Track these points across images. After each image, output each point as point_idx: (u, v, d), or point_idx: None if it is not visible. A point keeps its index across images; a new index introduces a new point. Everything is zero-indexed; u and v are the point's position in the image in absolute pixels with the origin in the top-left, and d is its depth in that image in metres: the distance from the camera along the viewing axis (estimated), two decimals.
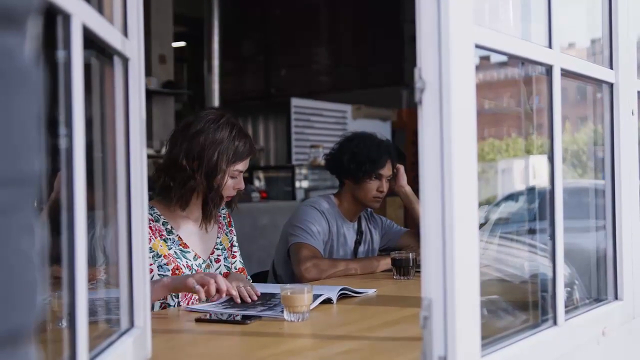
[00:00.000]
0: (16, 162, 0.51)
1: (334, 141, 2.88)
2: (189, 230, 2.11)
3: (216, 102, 7.70)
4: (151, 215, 2.04)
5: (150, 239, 2.00)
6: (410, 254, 2.41)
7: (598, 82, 1.64)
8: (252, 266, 4.32)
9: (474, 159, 1.07)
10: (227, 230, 2.26)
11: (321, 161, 6.64)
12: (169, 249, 2.04)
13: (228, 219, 2.29)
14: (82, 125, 0.90)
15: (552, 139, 1.36)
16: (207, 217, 2.10)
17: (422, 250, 1.04)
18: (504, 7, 1.60)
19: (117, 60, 1.17)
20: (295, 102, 7.50)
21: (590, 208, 1.82)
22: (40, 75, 0.54)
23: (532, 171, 1.85)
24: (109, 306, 1.27)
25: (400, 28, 8.21)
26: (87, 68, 1.04)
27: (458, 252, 1.02)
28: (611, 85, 1.64)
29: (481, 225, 1.97)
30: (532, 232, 1.74)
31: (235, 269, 2.18)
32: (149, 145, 6.35)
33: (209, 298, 1.84)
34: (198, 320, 1.70)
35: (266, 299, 1.92)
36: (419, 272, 2.33)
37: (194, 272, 2.06)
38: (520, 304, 1.55)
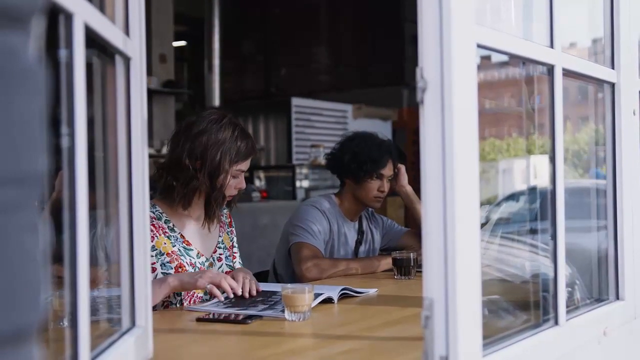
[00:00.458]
0: (19, 161, 0.51)
1: (334, 141, 2.88)
2: (191, 228, 2.12)
3: (216, 102, 7.70)
4: (153, 213, 2.04)
5: (153, 237, 2.00)
6: (411, 253, 2.41)
7: (599, 82, 1.64)
8: (253, 266, 4.32)
9: (476, 158, 1.07)
10: (228, 230, 2.26)
11: (322, 161, 6.65)
12: (173, 246, 2.04)
13: (229, 219, 2.29)
14: (84, 124, 0.90)
15: (554, 138, 1.36)
16: (210, 216, 2.11)
17: (424, 250, 1.04)
18: (506, 6, 1.60)
19: (118, 60, 1.17)
20: (295, 101, 7.50)
21: (591, 208, 1.82)
22: (43, 74, 0.54)
23: (533, 171, 1.85)
24: (110, 305, 1.27)
25: (401, 27, 8.21)
26: (89, 67, 1.04)
27: (459, 252, 1.02)
28: (613, 85, 1.64)
29: (482, 225, 1.97)
30: (533, 232, 1.74)
31: (223, 272, 2.18)
32: (150, 144, 6.35)
33: (212, 297, 1.86)
34: (199, 319, 1.70)
35: (267, 296, 1.92)
36: (420, 271, 2.33)
37: (197, 269, 2.07)
38: (521, 304, 1.55)
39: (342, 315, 1.85)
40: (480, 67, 1.23)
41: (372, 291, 2.11)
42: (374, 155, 2.68)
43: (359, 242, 2.80)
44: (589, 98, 1.79)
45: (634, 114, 1.68)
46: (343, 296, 1.98)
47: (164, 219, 2.06)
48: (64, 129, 0.88)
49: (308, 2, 9.01)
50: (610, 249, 1.66)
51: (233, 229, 2.29)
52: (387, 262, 2.53)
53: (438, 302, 1.02)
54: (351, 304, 1.94)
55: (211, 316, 1.73)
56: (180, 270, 2.01)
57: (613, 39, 1.63)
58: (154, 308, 1.79)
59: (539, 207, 1.64)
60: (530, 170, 1.89)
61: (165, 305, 1.98)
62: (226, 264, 2.19)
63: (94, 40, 1.01)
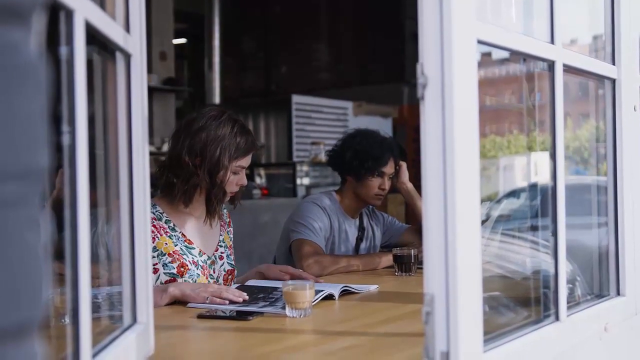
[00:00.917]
0: (22, 157, 0.51)
1: (335, 138, 2.88)
2: (192, 227, 2.12)
3: (217, 99, 7.71)
4: (153, 213, 2.04)
5: (154, 238, 2.00)
6: (412, 250, 2.41)
7: (600, 78, 1.64)
8: (254, 263, 4.33)
9: (476, 154, 1.07)
10: (228, 230, 2.27)
11: (322, 158, 6.65)
12: (175, 246, 2.04)
13: (228, 219, 2.29)
14: (85, 121, 0.90)
15: (554, 135, 1.36)
16: (211, 213, 2.11)
17: (424, 246, 1.04)
18: (506, 3, 1.60)
19: (119, 56, 1.17)
20: (296, 99, 7.50)
21: (592, 204, 1.82)
22: (45, 69, 0.54)
23: (534, 168, 1.85)
24: (111, 301, 1.27)
25: (401, 25, 8.21)
26: (90, 64, 1.04)
27: (460, 248, 1.02)
28: (613, 81, 1.64)
29: (483, 222, 1.97)
30: (534, 228, 1.74)
31: (225, 271, 2.18)
32: (150, 142, 6.36)
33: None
34: (200, 316, 1.71)
35: (268, 293, 1.92)
36: (420, 268, 2.33)
37: (199, 268, 2.07)
38: (522, 300, 1.55)
39: (343, 311, 1.85)
40: (481, 64, 1.22)
41: (373, 287, 2.11)
42: (376, 153, 2.68)
43: (359, 239, 2.80)
44: (589, 95, 1.79)
45: (634, 109, 1.68)
46: (344, 293, 1.98)
47: (164, 219, 2.07)
48: (65, 127, 0.88)
49: None
50: (611, 244, 1.67)
51: (231, 229, 2.29)
52: (387, 259, 2.53)
53: (439, 298, 1.03)
54: (352, 301, 1.95)
55: (212, 313, 1.73)
56: (182, 269, 2.02)
57: (614, 35, 1.63)
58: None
59: (540, 203, 1.64)
60: (530, 167, 1.89)
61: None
62: (227, 263, 2.20)
63: (94, 36, 1.01)
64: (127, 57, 1.19)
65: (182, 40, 9.51)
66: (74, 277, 0.87)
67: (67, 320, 0.98)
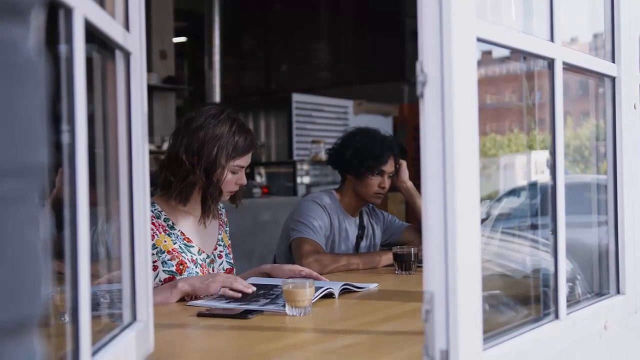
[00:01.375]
0: (21, 154, 0.51)
1: (335, 137, 2.88)
2: (190, 226, 2.12)
3: (217, 98, 7.70)
4: (152, 212, 2.04)
5: (153, 236, 2.00)
6: (412, 248, 2.41)
7: (600, 76, 1.64)
8: (254, 262, 4.34)
9: (476, 152, 1.07)
10: (226, 229, 2.27)
11: (322, 157, 6.65)
12: (174, 244, 2.04)
13: (226, 219, 2.29)
14: (84, 120, 0.90)
15: (554, 133, 1.36)
16: (206, 211, 2.11)
17: (424, 244, 1.04)
18: (506, 1, 1.60)
19: (118, 55, 1.17)
20: (296, 97, 7.50)
21: (592, 203, 1.82)
22: (44, 66, 0.54)
23: (534, 166, 1.85)
24: (112, 300, 1.27)
25: (401, 23, 8.21)
26: (89, 62, 1.04)
27: (460, 245, 1.02)
28: (613, 79, 1.64)
29: (483, 221, 1.97)
30: (534, 227, 1.74)
31: (223, 269, 2.19)
32: (150, 141, 6.35)
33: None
34: (200, 314, 1.71)
35: (268, 290, 1.92)
36: (420, 266, 2.33)
37: (199, 266, 2.07)
38: (522, 299, 1.55)
39: (343, 310, 1.85)
40: (481, 63, 1.22)
41: (373, 286, 2.11)
42: (376, 152, 2.68)
43: (359, 238, 2.80)
44: (590, 93, 1.79)
45: (634, 107, 1.68)
46: (344, 291, 1.98)
47: (163, 217, 2.07)
48: (64, 125, 0.88)
49: None
50: (610, 243, 1.66)
51: (228, 228, 2.30)
52: (387, 257, 2.54)
53: (438, 296, 1.03)
54: (352, 299, 1.95)
55: (212, 311, 1.73)
56: (181, 267, 2.02)
57: (614, 33, 1.63)
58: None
59: (540, 202, 1.65)
60: (531, 166, 1.89)
61: None
62: (226, 262, 2.20)
63: (94, 35, 1.01)
64: (127, 55, 1.19)
65: (183, 39, 9.51)
66: (74, 276, 0.87)
67: (67, 318, 0.98)
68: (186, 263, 2.04)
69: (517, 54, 1.43)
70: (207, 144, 2.02)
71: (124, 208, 1.20)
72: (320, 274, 2.41)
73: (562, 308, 1.35)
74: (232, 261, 2.23)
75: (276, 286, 1.94)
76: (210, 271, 2.12)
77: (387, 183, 2.71)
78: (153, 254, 1.99)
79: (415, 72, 1.05)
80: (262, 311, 1.71)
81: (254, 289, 1.88)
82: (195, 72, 8.93)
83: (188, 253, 2.06)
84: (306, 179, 6.86)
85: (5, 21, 0.49)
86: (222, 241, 2.22)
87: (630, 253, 1.65)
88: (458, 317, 1.02)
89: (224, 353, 1.43)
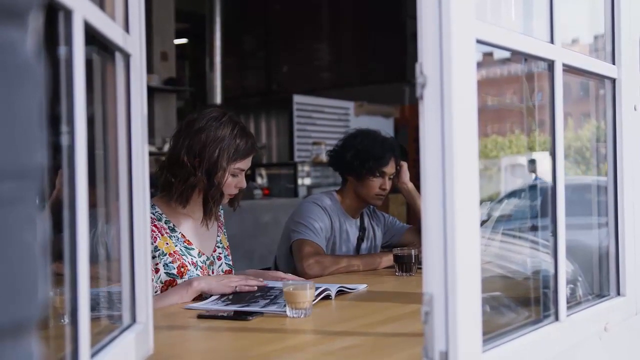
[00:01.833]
0: (19, 155, 0.51)
1: (336, 138, 2.88)
2: (190, 228, 2.12)
3: (218, 99, 7.71)
4: (153, 214, 2.05)
5: (155, 238, 2.01)
6: (413, 250, 2.41)
7: (600, 78, 1.64)
8: (254, 263, 4.33)
9: (475, 153, 1.07)
10: (224, 231, 2.28)
11: (323, 158, 6.64)
12: (175, 246, 2.05)
13: (223, 220, 2.30)
14: (84, 121, 0.90)
15: (554, 134, 1.36)
16: (208, 214, 2.11)
17: (423, 245, 1.04)
18: (506, 2, 1.60)
19: (118, 56, 1.17)
20: (297, 98, 7.50)
21: (593, 204, 1.82)
22: (42, 68, 0.55)
23: (537, 168, 1.85)
24: (112, 302, 1.27)
25: (402, 24, 8.21)
26: (89, 64, 1.04)
27: (459, 247, 1.02)
28: (613, 81, 1.64)
29: (484, 222, 1.97)
30: (534, 228, 1.74)
31: (222, 271, 2.19)
32: (151, 142, 6.36)
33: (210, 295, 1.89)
34: (200, 316, 1.71)
35: (265, 291, 1.92)
36: (420, 268, 2.33)
37: (199, 268, 2.07)
38: (522, 300, 1.55)
39: (343, 311, 1.85)
40: (482, 64, 1.22)
41: (362, 287, 2.11)
42: (377, 153, 2.68)
43: (360, 239, 2.80)
44: (591, 95, 1.79)
45: (635, 109, 1.68)
46: (338, 293, 1.99)
47: (164, 219, 2.07)
48: (64, 127, 0.88)
49: None
50: (611, 244, 1.66)
51: (225, 230, 2.30)
52: (388, 259, 2.53)
53: (438, 297, 1.03)
54: (352, 301, 1.95)
55: (212, 313, 1.73)
56: (182, 270, 2.02)
57: (614, 35, 1.63)
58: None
59: (541, 203, 1.64)
60: (534, 167, 1.89)
61: None
62: (225, 263, 2.21)
63: (93, 37, 1.01)
64: (127, 57, 1.19)
65: (183, 40, 9.52)
66: (73, 277, 0.87)
67: (66, 320, 0.98)
68: (187, 266, 2.04)
69: (518, 56, 1.43)
70: (208, 146, 2.03)
71: (124, 210, 1.20)
72: (321, 276, 2.42)
73: (562, 310, 1.35)
74: (230, 263, 2.23)
75: (273, 288, 1.95)
76: (210, 273, 2.12)
77: (388, 184, 2.71)
78: (155, 256, 1.99)
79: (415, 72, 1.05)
80: (262, 313, 1.71)
81: (267, 284, 1.93)
82: (196, 74, 8.94)
83: (188, 255, 2.07)
84: (307, 181, 6.86)
85: (3, 23, 0.49)
86: (221, 243, 2.22)
87: (630, 254, 1.64)
88: (457, 319, 1.02)
89: (224, 355, 1.43)
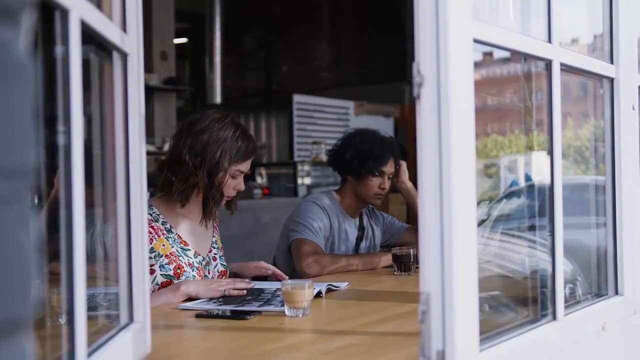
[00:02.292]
0: (12, 155, 0.51)
1: (336, 138, 2.88)
2: (187, 228, 2.12)
3: (218, 99, 7.71)
4: (150, 215, 2.05)
5: (152, 239, 2.01)
6: (411, 249, 2.41)
7: (598, 77, 1.64)
8: None
9: (472, 153, 1.07)
10: (218, 231, 2.28)
11: (323, 158, 6.64)
12: (172, 247, 2.05)
13: (218, 222, 2.30)
14: (80, 121, 0.90)
15: (552, 134, 1.36)
16: (208, 214, 2.11)
17: (420, 244, 1.04)
18: (504, 2, 1.60)
19: (116, 56, 1.17)
20: (297, 98, 7.50)
21: (591, 204, 1.82)
22: (34, 68, 0.55)
23: (535, 168, 1.85)
24: (111, 301, 1.27)
25: (402, 23, 8.21)
26: (86, 63, 1.04)
27: (456, 246, 1.02)
28: (612, 80, 1.64)
29: (483, 222, 1.97)
30: (533, 228, 1.74)
31: (218, 272, 2.20)
32: (151, 142, 6.36)
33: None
34: (199, 315, 1.71)
35: (256, 294, 1.93)
36: (419, 267, 2.33)
37: (195, 269, 2.08)
38: (520, 300, 1.55)
39: (342, 310, 1.85)
40: (482, 63, 1.22)
41: (344, 285, 2.13)
42: (376, 153, 2.68)
43: (359, 239, 2.80)
44: (591, 95, 1.79)
45: (633, 109, 1.68)
46: (329, 290, 2.02)
47: (160, 220, 2.07)
48: (61, 127, 0.88)
49: None
50: (609, 244, 1.66)
51: (218, 231, 2.31)
52: (387, 258, 2.54)
53: (435, 297, 1.03)
54: (351, 300, 1.95)
55: (210, 312, 1.73)
56: (179, 271, 2.03)
57: (612, 34, 1.63)
58: None
59: (539, 203, 1.64)
60: (532, 167, 1.89)
61: None
62: (221, 264, 2.21)
63: (91, 36, 1.01)
64: (124, 56, 1.19)
65: (183, 40, 9.52)
66: (69, 276, 0.88)
67: (64, 319, 0.98)
68: (183, 267, 2.04)
69: (518, 55, 1.43)
70: (210, 146, 2.03)
71: (121, 209, 1.20)
72: (320, 275, 2.42)
73: (560, 309, 1.35)
74: (225, 263, 2.24)
75: (263, 290, 1.96)
76: (206, 274, 2.13)
77: (387, 184, 2.71)
78: (151, 258, 2.00)
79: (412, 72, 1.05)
80: (260, 312, 1.71)
81: (255, 284, 1.94)
82: (196, 73, 8.95)
83: (185, 257, 2.07)
84: (307, 180, 6.86)
85: None
86: (216, 243, 2.23)
87: (628, 254, 1.65)
88: (454, 318, 1.02)
89: (221, 354, 1.43)
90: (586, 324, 1.49)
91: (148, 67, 6.73)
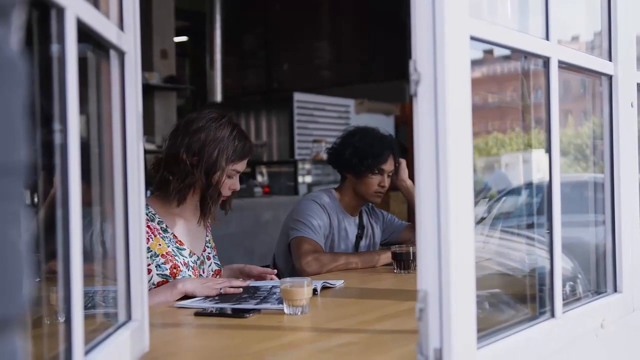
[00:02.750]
0: (2, 153, 0.51)
1: (336, 136, 2.88)
2: (182, 228, 2.13)
3: (218, 97, 7.70)
4: (146, 215, 2.05)
5: (148, 239, 2.01)
6: (411, 247, 2.41)
7: (597, 75, 1.64)
8: (255, 261, 4.33)
9: (469, 151, 1.07)
10: (211, 231, 2.29)
11: (324, 156, 6.64)
12: (168, 247, 2.05)
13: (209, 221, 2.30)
14: (76, 120, 0.90)
15: (550, 131, 1.36)
16: (205, 213, 2.11)
17: (417, 242, 1.04)
18: (502, 0, 1.59)
19: (113, 54, 1.17)
20: (297, 96, 7.49)
21: (591, 201, 1.82)
22: (26, 67, 0.54)
23: (535, 165, 1.85)
24: (110, 300, 1.27)
25: (402, 21, 8.19)
26: (84, 62, 1.04)
27: (453, 244, 1.02)
28: (610, 78, 1.63)
29: (483, 219, 1.97)
30: (533, 225, 1.74)
31: (212, 271, 2.20)
32: (151, 140, 6.35)
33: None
34: (197, 314, 1.71)
35: (252, 292, 1.93)
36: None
37: (190, 269, 2.08)
38: (519, 297, 1.55)
39: (341, 309, 1.85)
40: (483, 61, 1.22)
41: (339, 283, 2.14)
42: (375, 151, 2.68)
43: (359, 237, 2.80)
44: (592, 92, 1.79)
45: (631, 106, 1.67)
46: (325, 288, 2.03)
47: (157, 220, 2.07)
48: (57, 125, 0.88)
49: None
50: (608, 241, 1.66)
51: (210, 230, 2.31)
52: (386, 256, 2.54)
53: (432, 295, 1.03)
54: (349, 298, 1.95)
55: (209, 310, 1.73)
56: (175, 271, 2.03)
57: (610, 31, 1.63)
58: None
59: (539, 200, 1.64)
60: (531, 165, 1.89)
61: None
62: (214, 263, 2.21)
63: (88, 34, 1.01)
64: (121, 55, 1.19)
65: (184, 38, 9.51)
66: (66, 274, 0.88)
67: (63, 317, 0.98)
68: (179, 266, 2.05)
69: (518, 53, 1.43)
70: (208, 145, 2.03)
71: (119, 207, 1.20)
72: (319, 273, 2.42)
73: (558, 306, 1.35)
74: (218, 262, 2.24)
75: (259, 288, 1.96)
76: (201, 273, 2.13)
77: (386, 182, 2.71)
78: (147, 257, 2.00)
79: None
80: (259, 310, 1.72)
81: (250, 283, 1.96)
82: (196, 72, 8.94)
83: (180, 256, 2.07)
84: (308, 179, 6.86)
85: None
86: (209, 243, 2.24)
87: (627, 251, 1.64)
88: (452, 316, 1.02)
89: (220, 352, 1.43)
90: (585, 321, 1.49)
91: (148, 66, 6.73)
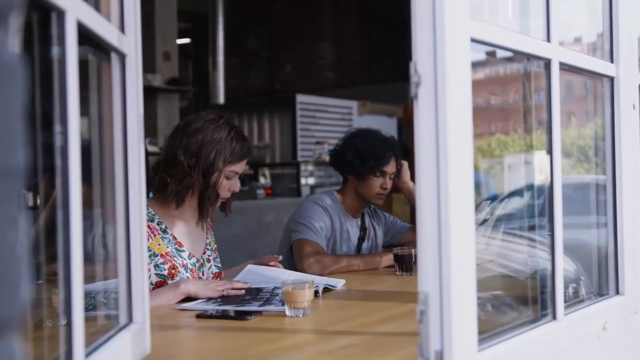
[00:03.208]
0: (1, 156, 0.51)
1: (339, 138, 2.88)
2: (181, 229, 2.13)
3: (221, 99, 7.71)
4: (146, 215, 2.05)
5: (148, 238, 2.01)
6: (413, 249, 2.41)
7: (598, 76, 1.64)
8: None
9: (470, 153, 1.07)
10: (212, 233, 2.28)
11: (326, 158, 6.64)
12: (167, 247, 2.05)
13: (211, 223, 2.30)
14: (77, 122, 0.90)
15: (551, 133, 1.36)
16: (203, 215, 2.11)
17: (418, 244, 1.04)
18: (503, 1, 1.59)
19: (114, 57, 1.18)
20: (300, 98, 7.50)
21: (594, 203, 1.81)
22: (25, 69, 0.55)
23: (538, 167, 1.85)
24: (111, 302, 1.27)
25: (405, 23, 8.18)
26: (85, 64, 1.04)
27: (454, 246, 1.02)
28: (612, 79, 1.63)
29: (484, 221, 1.97)
30: (535, 227, 1.74)
31: (212, 273, 2.20)
32: (154, 142, 6.35)
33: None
34: (199, 316, 1.71)
35: (254, 294, 1.93)
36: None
37: (189, 270, 2.08)
38: (521, 299, 1.55)
39: (342, 311, 1.85)
40: (485, 63, 1.22)
41: (341, 284, 2.13)
42: (377, 152, 2.67)
43: (362, 239, 2.80)
44: (595, 93, 1.78)
45: (633, 107, 1.67)
46: (326, 290, 2.03)
47: (156, 220, 2.08)
48: (58, 128, 0.88)
49: None
50: (610, 243, 1.66)
51: (212, 233, 2.31)
52: (388, 258, 2.53)
53: (433, 297, 1.02)
54: (351, 300, 1.95)
55: (211, 313, 1.73)
56: (173, 271, 2.03)
57: (612, 33, 1.62)
58: None
59: (541, 202, 1.64)
60: (534, 166, 1.89)
61: None
62: (215, 265, 2.21)
63: (88, 37, 1.01)
64: (122, 57, 1.19)
65: (186, 40, 9.52)
66: (67, 277, 0.88)
67: (64, 320, 0.98)
68: (177, 267, 2.05)
69: (520, 54, 1.42)
70: (205, 147, 2.03)
71: (120, 209, 1.20)
72: (321, 275, 2.42)
73: (560, 309, 1.35)
74: (219, 265, 2.24)
75: (262, 290, 1.96)
76: (200, 275, 2.13)
77: (388, 184, 2.71)
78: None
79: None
80: (261, 312, 1.71)
81: (251, 285, 1.97)
82: (199, 74, 8.94)
83: (179, 257, 2.07)
84: (310, 180, 6.86)
85: None
86: (210, 245, 2.23)
87: (629, 253, 1.64)
88: (452, 318, 1.01)
89: (222, 354, 1.43)
90: (587, 323, 1.49)
91: (151, 68, 6.73)
